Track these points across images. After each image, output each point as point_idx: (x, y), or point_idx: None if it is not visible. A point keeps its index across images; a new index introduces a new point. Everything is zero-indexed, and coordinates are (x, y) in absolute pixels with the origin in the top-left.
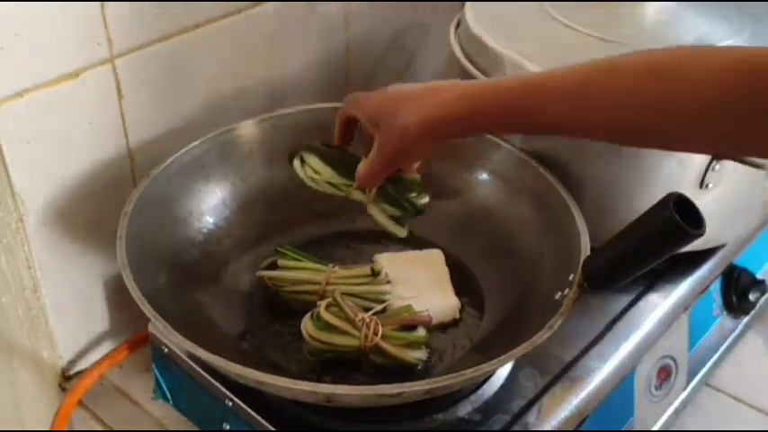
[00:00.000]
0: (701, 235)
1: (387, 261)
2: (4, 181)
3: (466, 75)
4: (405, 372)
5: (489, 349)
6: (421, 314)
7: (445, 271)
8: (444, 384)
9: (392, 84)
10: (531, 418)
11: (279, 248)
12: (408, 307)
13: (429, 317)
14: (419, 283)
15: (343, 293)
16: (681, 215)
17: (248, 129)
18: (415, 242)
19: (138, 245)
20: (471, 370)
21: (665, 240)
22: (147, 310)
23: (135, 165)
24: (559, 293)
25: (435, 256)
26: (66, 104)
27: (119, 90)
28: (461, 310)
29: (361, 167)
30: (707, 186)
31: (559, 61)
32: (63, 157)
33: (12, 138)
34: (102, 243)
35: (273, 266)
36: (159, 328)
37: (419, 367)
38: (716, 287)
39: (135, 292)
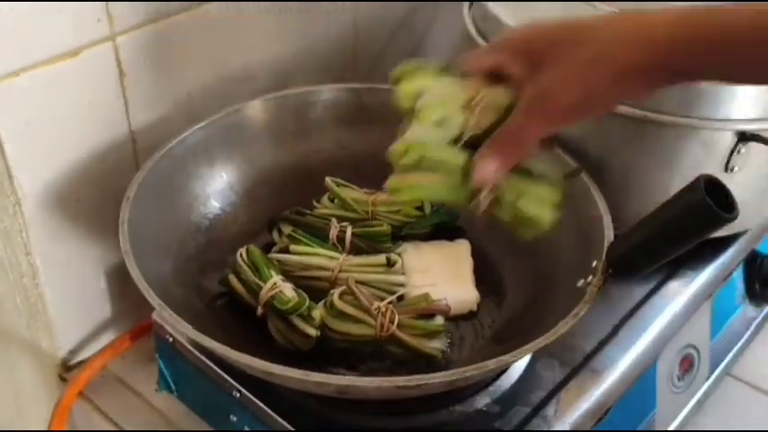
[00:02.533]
0: (734, 219)
1: (411, 250)
2: (1, 163)
3: None
4: (419, 362)
5: (510, 338)
6: (439, 303)
7: (469, 262)
8: (466, 376)
9: (405, 61)
10: (550, 410)
11: (291, 233)
12: (426, 296)
13: (447, 306)
14: (439, 274)
15: (357, 281)
16: (711, 198)
17: (254, 109)
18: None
19: (141, 231)
20: (494, 361)
21: (696, 225)
22: (152, 298)
23: (137, 147)
24: (582, 281)
25: (461, 248)
26: (65, 84)
27: (120, 69)
28: (480, 300)
29: (502, 132)
30: (732, 170)
31: None
32: (62, 139)
33: (9, 118)
34: (104, 229)
35: (285, 252)
36: (164, 316)
37: (438, 358)
38: (738, 274)
39: (139, 280)
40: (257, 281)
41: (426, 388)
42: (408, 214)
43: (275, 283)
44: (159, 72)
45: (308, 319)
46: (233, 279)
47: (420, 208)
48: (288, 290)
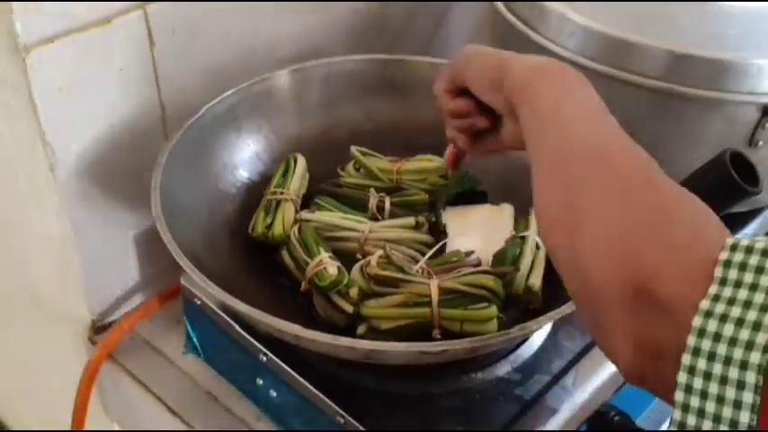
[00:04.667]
0: (758, 193)
1: (454, 214)
2: (35, 129)
3: (505, 25)
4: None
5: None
6: (469, 259)
7: (509, 227)
8: (489, 343)
9: (427, 37)
10: (570, 379)
11: (318, 200)
12: (457, 252)
13: (478, 260)
14: (476, 237)
15: (385, 239)
16: (735, 172)
17: (282, 79)
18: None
19: (171, 197)
20: (517, 328)
21: (720, 198)
22: (183, 262)
23: (166, 114)
24: None
25: (504, 212)
26: (97, 51)
27: (150, 37)
28: None
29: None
30: (756, 144)
31: (608, 15)
32: (94, 106)
33: (43, 85)
34: (133, 194)
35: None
36: (194, 280)
37: None
38: None
39: (170, 244)
40: (305, 257)
41: (449, 354)
42: (433, 183)
43: (321, 260)
44: (188, 41)
45: (345, 295)
46: (285, 255)
47: (444, 176)
48: (332, 267)
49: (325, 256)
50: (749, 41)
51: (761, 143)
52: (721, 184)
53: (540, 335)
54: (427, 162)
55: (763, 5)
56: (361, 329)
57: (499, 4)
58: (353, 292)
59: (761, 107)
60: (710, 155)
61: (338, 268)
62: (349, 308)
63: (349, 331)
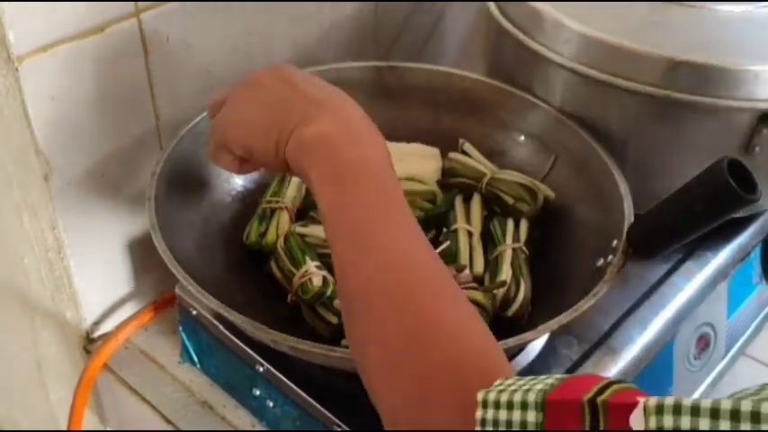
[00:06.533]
0: (756, 200)
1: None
2: (28, 139)
3: (499, 31)
4: None
5: (529, 316)
6: (461, 275)
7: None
8: None
9: (421, 43)
10: None
11: (312, 213)
12: (449, 268)
13: (470, 275)
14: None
15: None
16: (732, 180)
17: None
18: None
19: (166, 206)
20: (514, 339)
21: (718, 206)
22: (178, 272)
23: (160, 123)
24: (602, 260)
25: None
26: (90, 59)
27: (144, 46)
28: None
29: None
30: (753, 150)
31: (604, 21)
32: (87, 114)
33: (36, 94)
34: (128, 203)
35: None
36: (189, 290)
37: None
38: (756, 254)
39: (165, 254)
40: (292, 268)
41: None
42: (421, 207)
43: (306, 271)
44: (182, 49)
45: (329, 306)
46: (273, 266)
47: (432, 201)
48: (317, 278)
49: (311, 265)
50: (745, 48)
51: (757, 149)
52: (719, 193)
53: (537, 343)
54: (417, 184)
55: (760, 12)
56: None
57: (494, 9)
58: (337, 302)
59: (757, 113)
60: (707, 161)
61: (323, 278)
62: (334, 319)
63: (338, 341)
